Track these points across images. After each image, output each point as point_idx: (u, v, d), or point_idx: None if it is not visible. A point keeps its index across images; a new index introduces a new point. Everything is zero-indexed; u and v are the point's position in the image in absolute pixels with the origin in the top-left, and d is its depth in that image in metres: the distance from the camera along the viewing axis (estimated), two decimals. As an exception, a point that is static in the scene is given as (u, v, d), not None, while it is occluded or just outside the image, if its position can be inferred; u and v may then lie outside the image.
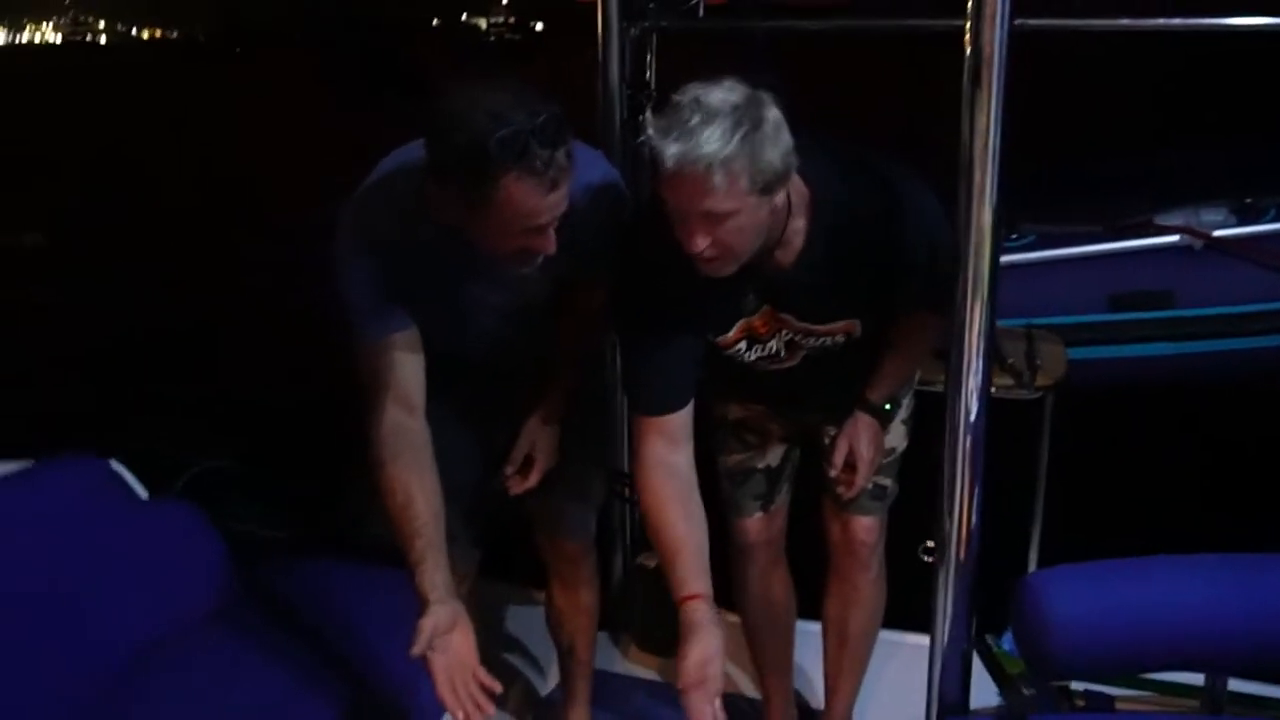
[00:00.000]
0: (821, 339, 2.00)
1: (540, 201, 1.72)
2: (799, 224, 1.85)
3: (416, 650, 1.77)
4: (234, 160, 17.18)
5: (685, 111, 1.62)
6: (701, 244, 1.69)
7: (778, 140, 1.66)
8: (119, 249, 9.37)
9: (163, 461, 2.13)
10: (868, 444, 2.16)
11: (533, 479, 2.19)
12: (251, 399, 5.95)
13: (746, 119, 1.63)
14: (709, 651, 1.78)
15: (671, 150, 1.61)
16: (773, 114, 1.66)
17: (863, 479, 2.18)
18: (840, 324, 1.98)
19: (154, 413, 5.48)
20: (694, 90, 1.65)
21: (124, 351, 7.09)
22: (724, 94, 1.64)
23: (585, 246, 1.95)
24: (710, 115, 1.62)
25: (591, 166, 1.96)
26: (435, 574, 1.85)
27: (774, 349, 2.02)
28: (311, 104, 26.99)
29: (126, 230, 9.59)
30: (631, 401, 1.96)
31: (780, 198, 1.74)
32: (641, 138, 1.67)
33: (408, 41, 38.52)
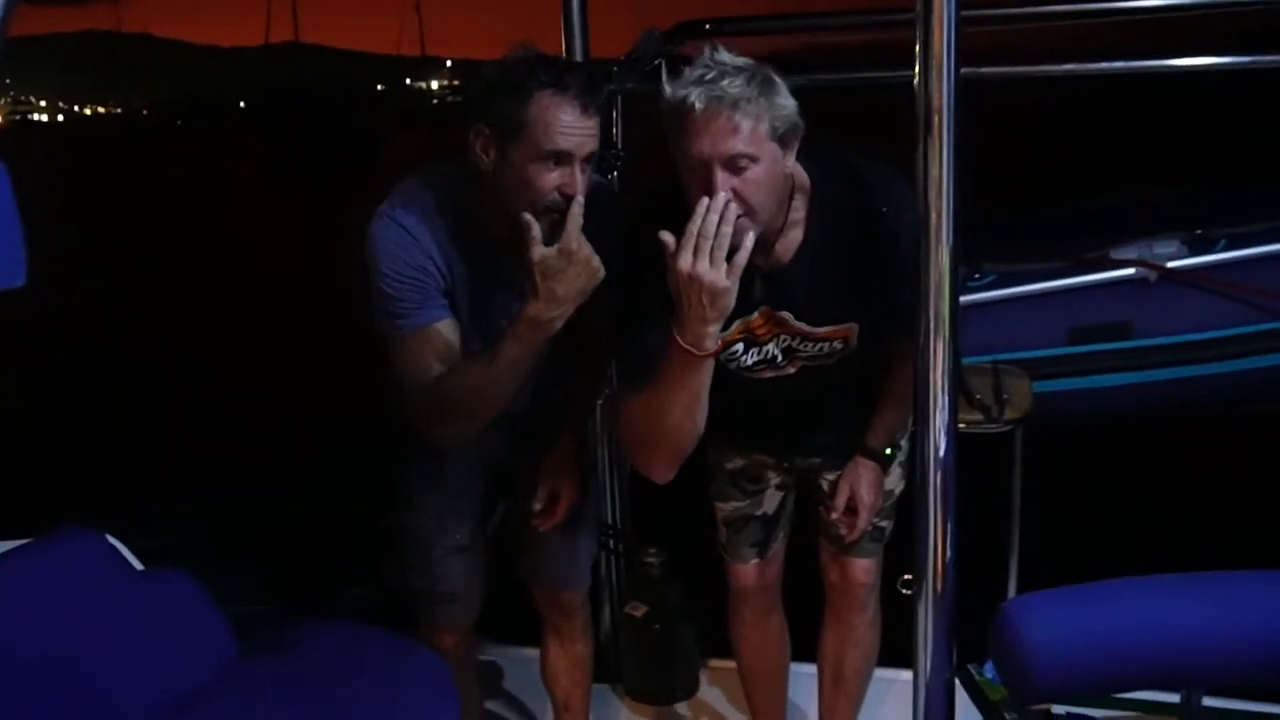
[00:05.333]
0: (819, 344, 2.04)
1: (572, 118, 1.82)
2: (799, 214, 1.92)
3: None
4: (179, 229, 17.21)
5: (701, 69, 1.75)
6: (725, 197, 1.75)
7: (787, 96, 1.79)
8: (57, 324, 9.34)
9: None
10: (869, 488, 2.20)
11: (560, 514, 2.22)
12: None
13: (759, 73, 1.76)
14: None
15: (697, 93, 1.72)
16: (778, 79, 1.78)
17: (864, 523, 2.22)
18: (836, 329, 2.01)
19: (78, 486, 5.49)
20: (705, 55, 1.77)
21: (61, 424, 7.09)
22: (732, 56, 1.77)
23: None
24: (727, 68, 1.74)
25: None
26: None
27: (771, 353, 2.05)
28: (255, 175, 27.08)
29: (66, 306, 9.57)
30: (626, 385, 1.97)
31: (790, 162, 1.83)
32: (661, 98, 1.78)
33: (353, 108, 38.57)
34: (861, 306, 2.01)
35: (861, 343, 2.04)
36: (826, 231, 1.93)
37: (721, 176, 1.74)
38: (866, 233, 1.92)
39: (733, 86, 1.72)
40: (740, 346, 2.03)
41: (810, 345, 2.04)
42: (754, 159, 1.75)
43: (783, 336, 2.03)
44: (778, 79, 1.78)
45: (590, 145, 1.87)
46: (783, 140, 1.79)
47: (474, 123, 1.89)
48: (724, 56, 1.76)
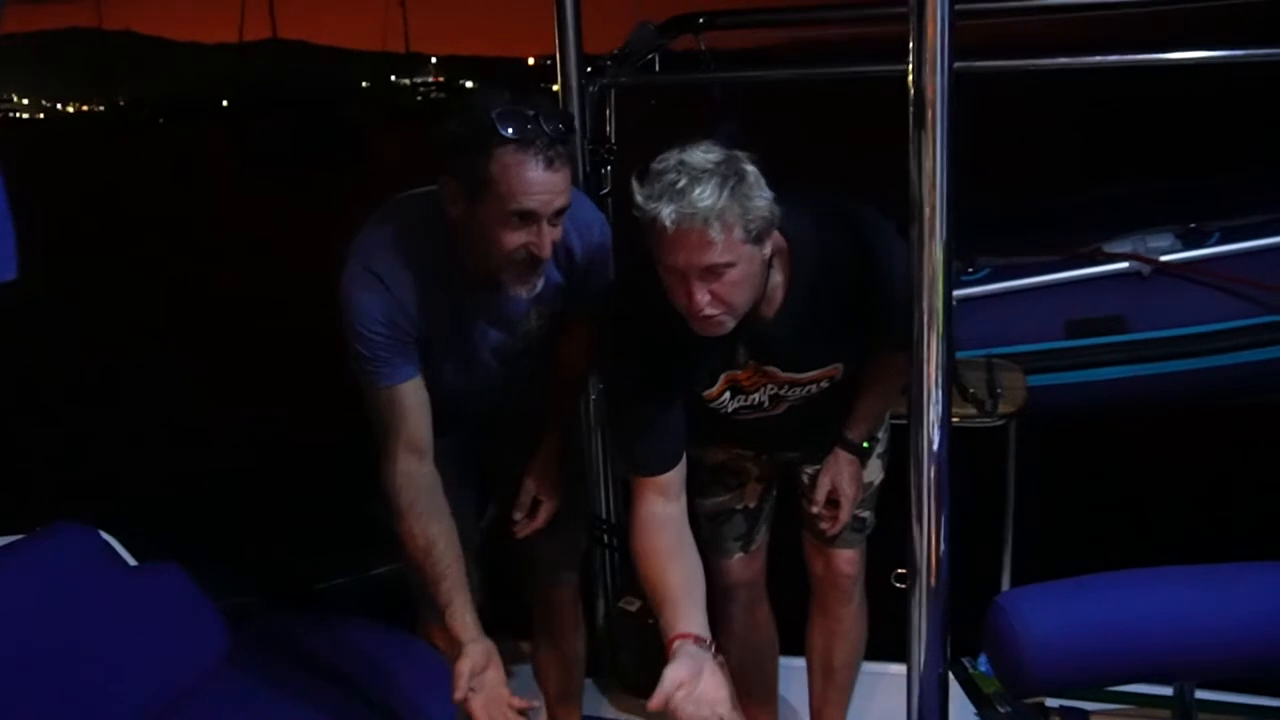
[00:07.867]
0: (806, 387, 2.05)
1: (537, 175, 1.77)
2: (779, 277, 1.90)
3: (458, 696, 1.80)
4: (161, 227, 17.14)
5: (671, 174, 1.69)
6: (703, 301, 1.73)
7: (761, 190, 1.73)
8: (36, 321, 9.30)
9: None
10: (849, 481, 2.21)
11: (540, 520, 2.22)
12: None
13: (731, 173, 1.70)
14: (683, 674, 1.76)
15: (668, 211, 1.68)
16: (750, 168, 1.73)
17: (845, 515, 2.23)
18: (822, 371, 2.02)
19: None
20: (674, 155, 1.72)
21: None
22: (704, 154, 1.71)
23: (577, 277, 2.02)
24: (697, 174, 1.68)
25: (576, 202, 2.02)
26: (465, 614, 1.89)
27: (757, 400, 2.06)
28: (236, 171, 26.97)
29: (46, 303, 9.54)
30: (629, 464, 1.99)
31: (767, 248, 1.80)
32: (633, 208, 1.73)
33: (338, 104, 38.33)
34: (847, 348, 2.01)
35: (846, 374, 2.05)
36: (807, 286, 1.91)
37: (699, 285, 1.73)
38: (848, 280, 1.91)
39: (703, 199, 1.67)
40: (727, 395, 2.04)
41: (797, 390, 2.05)
42: (731, 264, 1.73)
43: (769, 385, 2.04)
44: (749, 169, 1.73)
45: (559, 201, 1.83)
46: (758, 238, 1.75)
47: (444, 171, 1.86)
48: (693, 158, 1.70)
